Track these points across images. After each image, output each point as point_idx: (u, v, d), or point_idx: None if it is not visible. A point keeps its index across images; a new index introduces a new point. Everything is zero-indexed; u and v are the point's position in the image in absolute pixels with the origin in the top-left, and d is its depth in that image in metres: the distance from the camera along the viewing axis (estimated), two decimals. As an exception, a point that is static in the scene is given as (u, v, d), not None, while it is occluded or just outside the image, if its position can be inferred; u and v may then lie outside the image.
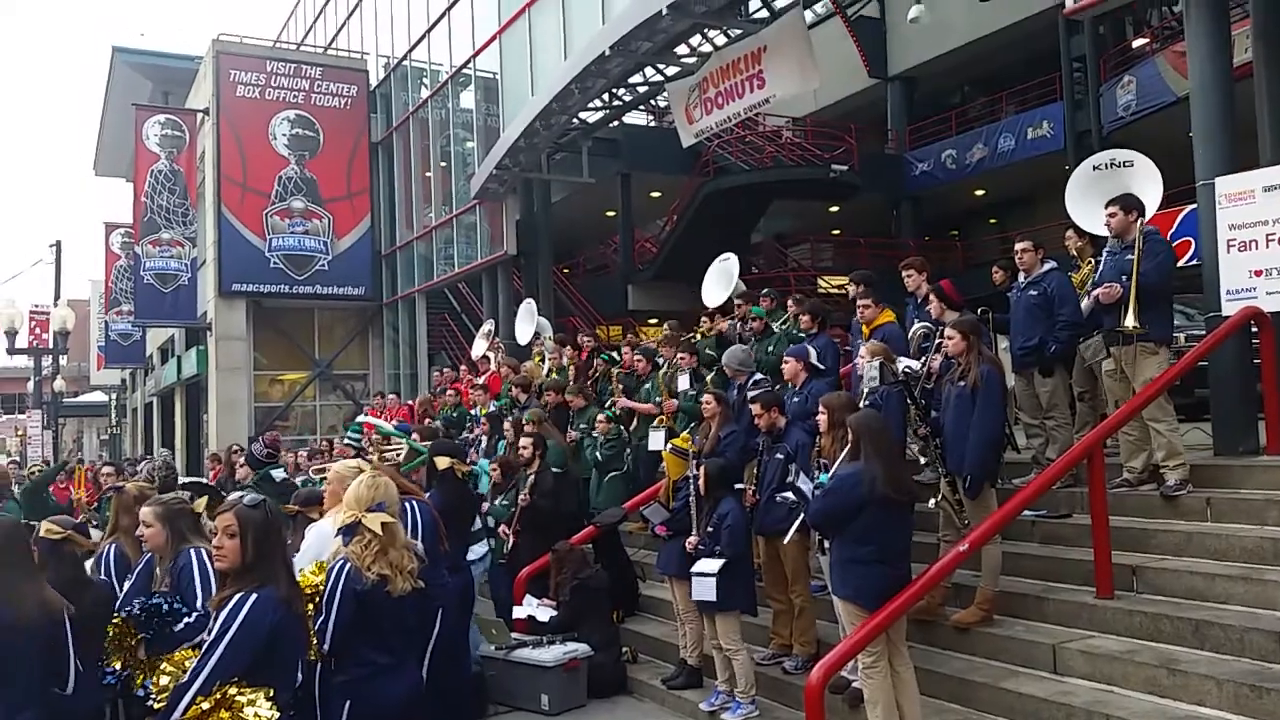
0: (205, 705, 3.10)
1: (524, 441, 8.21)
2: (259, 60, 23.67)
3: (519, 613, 7.47)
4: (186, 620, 3.88)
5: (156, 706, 3.41)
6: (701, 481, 6.27)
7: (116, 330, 34.02)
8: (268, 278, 23.01)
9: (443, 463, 6.28)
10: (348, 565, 3.76)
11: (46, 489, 11.10)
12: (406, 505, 4.68)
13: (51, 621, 3.74)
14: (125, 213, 30.61)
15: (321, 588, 3.78)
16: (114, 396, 45.35)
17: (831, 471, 5.36)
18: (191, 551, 4.18)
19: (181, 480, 10.03)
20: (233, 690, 3.14)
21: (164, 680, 3.45)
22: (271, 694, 3.20)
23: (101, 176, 38.78)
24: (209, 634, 3.24)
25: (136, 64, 29.68)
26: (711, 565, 6.02)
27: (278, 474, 8.93)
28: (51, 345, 28.57)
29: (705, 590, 6.02)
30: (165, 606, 3.85)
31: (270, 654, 3.27)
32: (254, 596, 3.26)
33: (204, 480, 13.83)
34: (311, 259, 23.49)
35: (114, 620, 4.14)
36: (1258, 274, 6.37)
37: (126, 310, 30.64)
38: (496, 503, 8.21)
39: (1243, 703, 4.40)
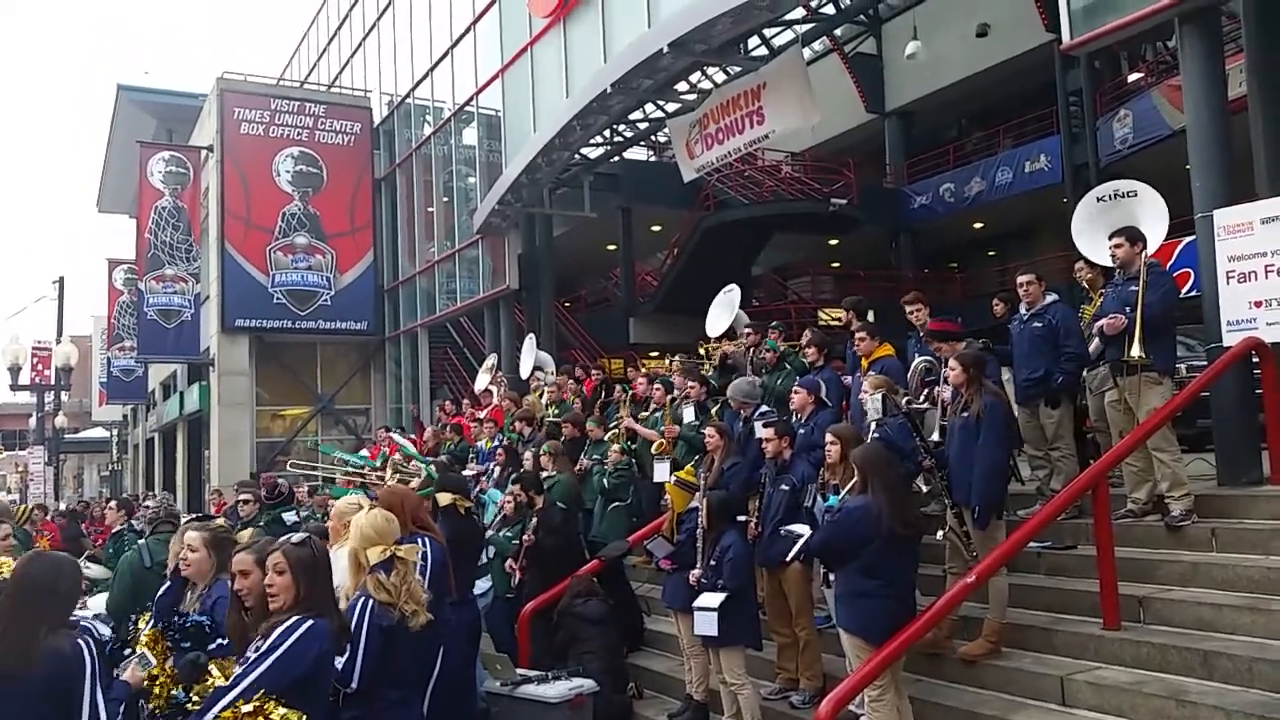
0: (245, 709, 3.18)
1: (513, 489, 8.21)
2: (263, 98, 23.88)
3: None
4: (220, 643, 3.90)
5: (191, 707, 3.46)
6: (704, 514, 6.28)
7: (119, 366, 34.04)
8: (270, 313, 23.07)
9: (444, 499, 6.30)
10: (371, 603, 3.78)
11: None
12: (417, 540, 4.69)
13: (57, 682, 3.27)
14: (128, 249, 30.74)
15: None
16: (115, 432, 45.30)
17: (840, 497, 5.38)
18: (229, 581, 4.09)
19: (186, 518, 10.01)
20: (271, 704, 3.19)
21: (206, 681, 3.52)
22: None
23: (105, 213, 38.99)
24: (255, 651, 3.31)
25: (141, 102, 29.94)
26: (713, 599, 6.00)
27: (289, 516, 8.93)
28: (54, 381, 28.61)
29: (707, 624, 6.00)
30: (208, 626, 3.90)
31: (311, 682, 3.32)
32: (310, 622, 3.36)
33: (211, 516, 13.80)
34: (314, 294, 23.58)
35: (146, 631, 4.16)
36: (1258, 305, 6.41)
37: (129, 346, 30.68)
38: (501, 534, 8.19)
39: (1253, 734, 4.38)
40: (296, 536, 3.66)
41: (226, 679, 3.40)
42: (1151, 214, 6.88)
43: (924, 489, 6.22)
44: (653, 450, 8.90)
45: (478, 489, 9.52)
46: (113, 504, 10.01)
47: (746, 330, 9.81)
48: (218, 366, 23.12)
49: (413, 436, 15.43)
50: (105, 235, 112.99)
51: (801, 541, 5.71)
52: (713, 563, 6.15)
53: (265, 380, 24.12)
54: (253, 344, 23.47)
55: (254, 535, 4.84)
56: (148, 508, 8.80)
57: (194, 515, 9.47)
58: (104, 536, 14.04)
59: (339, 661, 3.68)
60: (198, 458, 27.40)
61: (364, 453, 15.35)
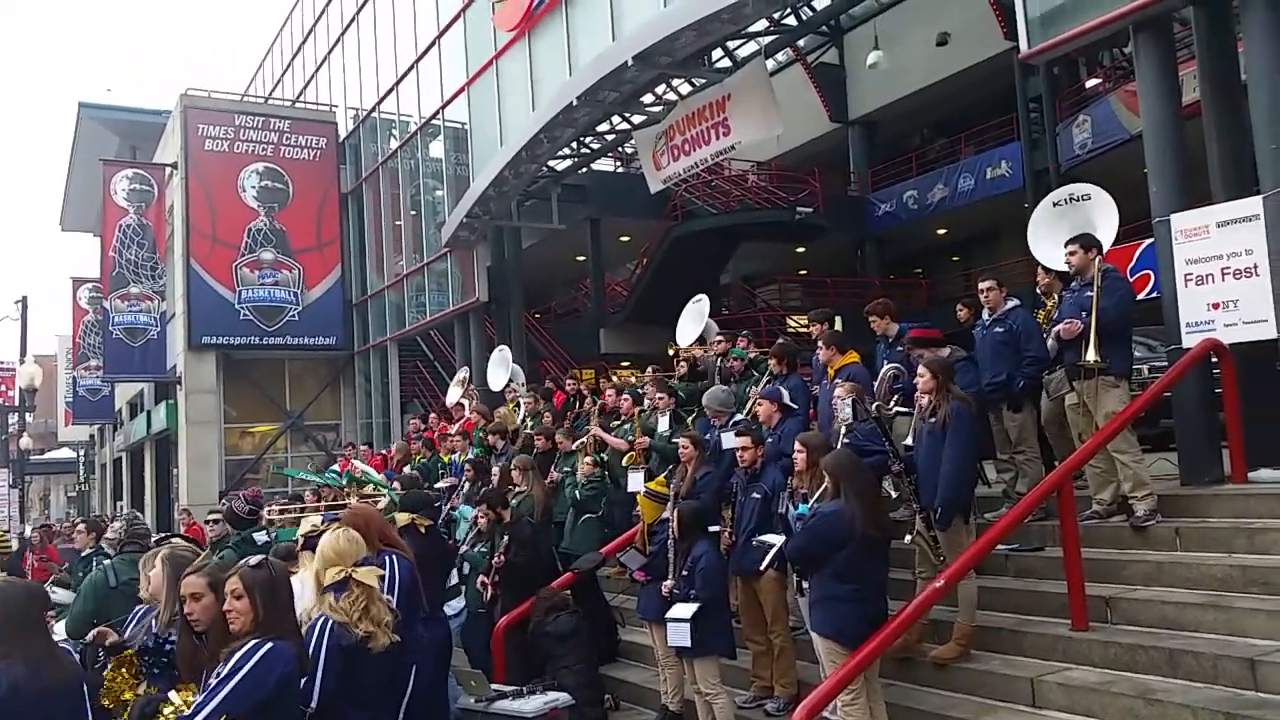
0: None
1: (479, 509, 8.16)
2: (227, 114, 23.76)
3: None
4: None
5: None
6: (675, 524, 6.28)
7: (85, 386, 33.65)
8: (237, 330, 22.92)
9: (402, 519, 6.27)
10: (330, 622, 3.76)
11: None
12: (386, 559, 4.67)
13: (70, 690, 3.48)
14: (92, 267, 30.45)
15: None
16: (82, 452, 44.71)
17: (810, 504, 5.42)
18: None
19: (155, 538, 9.85)
20: None
21: (167, 710, 3.48)
22: None
23: (68, 231, 38.55)
24: (216, 676, 3.29)
25: (103, 119, 29.70)
26: (685, 610, 6.00)
27: (260, 537, 8.65)
28: (18, 402, 28.19)
29: (680, 636, 6.00)
30: (167, 645, 3.87)
31: (274, 705, 3.30)
32: (270, 645, 3.33)
33: (184, 536, 13.61)
34: (281, 310, 23.44)
35: (113, 659, 4.11)
36: (1215, 307, 6.54)
37: (95, 365, 30.36)
38: (476, 550, 8.16)
39: (1218, 730, 4.46)
40: (254, 559, 3.63)
41: (188, 706, 3.37)
42: (1104, 216, 7.00)
43: (893, 494, 6.28)
44: (624, 462, 8.88)
45: (449, 506, 9.47)
46: (81, 526, 9.80)
47: (717, 339, 9.87)
48: (185, 385, 22.92)
49: (381, 452, 15.38)
50: (69, 253, 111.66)
51: (774, 550, 5.75)
52: (684, 573, 6.17)
53: (233, 398, 23.93)
54: (220, 361, 23.29)
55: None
56: (116, 528, 8.61)
57: (163, 535, 9.33)
58: (51, 562, 13.78)
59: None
60: (166, 477, 27.11)
61: (335, 468, 15.27)
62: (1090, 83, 20.17)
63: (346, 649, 3.73)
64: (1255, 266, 6.32)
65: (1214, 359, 6.58)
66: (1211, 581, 5.55)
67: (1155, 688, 4.90)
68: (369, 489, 11.09)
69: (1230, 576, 5.48)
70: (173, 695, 3.55)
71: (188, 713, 3.27)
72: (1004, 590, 6.37)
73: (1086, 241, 6.58)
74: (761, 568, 6.02)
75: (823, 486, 5.37)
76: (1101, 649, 5.35)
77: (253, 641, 3.34)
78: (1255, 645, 4.90)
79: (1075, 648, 5.48)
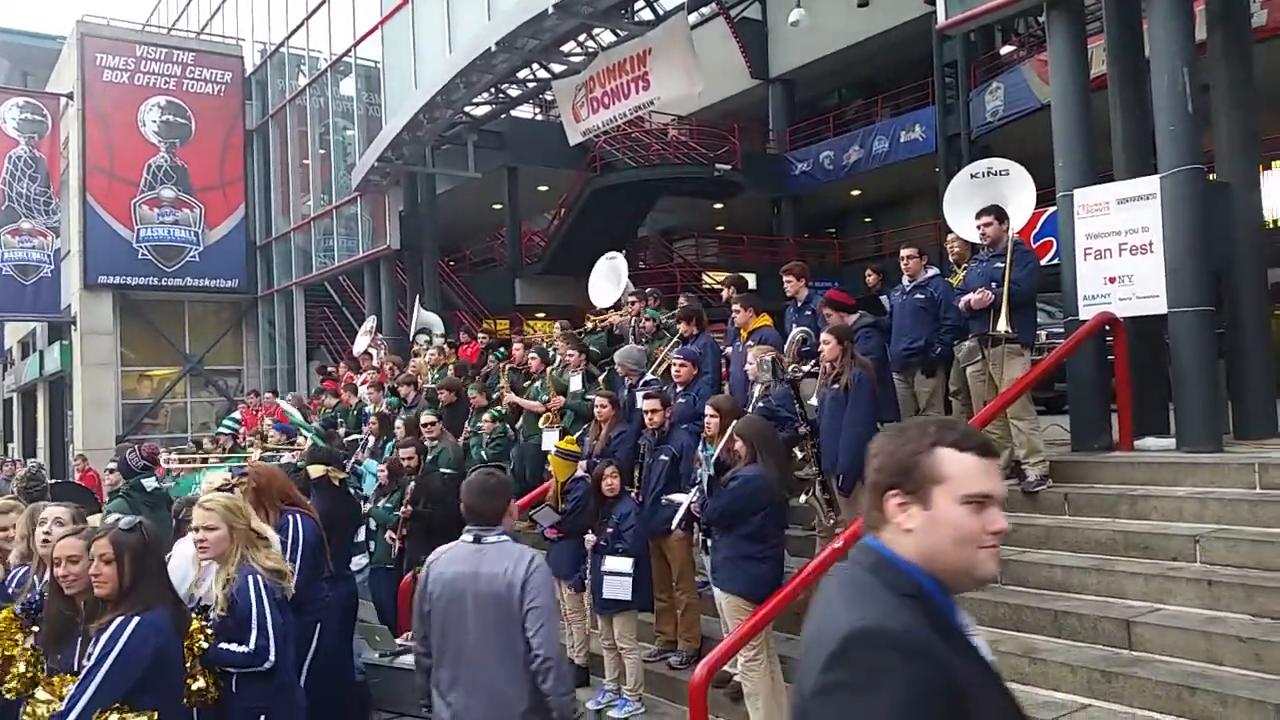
0: None
1: (405, 452, 8.06)
2: (127, 44, 22.73)
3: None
4: None
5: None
6: (615, 480, 6.24)
7: (-30, 323, 32.17)
8: (135, 269, 22.15)
9: (316, 471, 6.17)
10: (261, 578, 3.69)
11: None
12: (289, 518, 4.60)
13: None
14: (-21, 199, 28.93)
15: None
16: (-33, 392, 42.85)
17: (714, 454, 5.49)
18: None
19: (50, 482, 9.55)
20: (113, 717, 3.09)
21: (40, 709, 3.31)
22: (156, 718, 3.15)
23: (-48, 159, 36.54)
24: (89, 659, 3.16)
25: (-10, 42, 28.17)
26: (623, 564, 6.04)
27: (149, 482, 8.54)
28: (-103, 339, 26.92)
29: (621, 589, 6.01)
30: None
31: (154, 679, 3.20)
32: (136, 620, 3.20)
33: (75, 482, 13.19)
34: (182, 250, 22.71)
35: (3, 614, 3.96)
36: (1111, 281, 6.77)
37: (-18, 302, 29.01)
38: (380, 505, 8.07)
39: (1094, 687, 4.70)
40: (126, 521, 3.45)
41: (60, 698, 3.19)
42: (1022, 191, 7.16)
43: (798, 455, 6.39)
44: (540, 423, 8.83)
45: (354, 460, 9.32)
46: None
47: (631, 299, 9.82)
48: (80, 325, 22.13)
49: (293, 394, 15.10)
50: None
51: (683, 510, 5.81)
52: (610, 530, 6.18)
53: (130, 340, 23.18)
54: (116, 301, 22.53)
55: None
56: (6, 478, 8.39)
57: (55, 481, 9.05)
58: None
59: (238, 647, 3.59)
60: (61, 419, 26.20)
61: (236, 415, 14.96)
62: (1005, 50, 20.50)
63: (280, 601, 3.69)
64: (1150, 244, 6.55)
65: (1108, 331, 6.83)
66: (1096, 546, 5.79)
67: (1040, 647, 5.13)
68: (274, 439, 10.86)
69: (1113, 541, 5.73)
70: (40, 692, 3.36)
71: (61, 709, 3.10)
72: (901, 550, 6.55)
73: (1000, 213, 6.72)
74: (672, 526, 6.09)
75: (722, 441, 5.43)
76: (991, 609, 5.56)
77: (119, 619, 3.19)
78: (1132, 606, 5.16)
79: (965, 607, 5.52)
